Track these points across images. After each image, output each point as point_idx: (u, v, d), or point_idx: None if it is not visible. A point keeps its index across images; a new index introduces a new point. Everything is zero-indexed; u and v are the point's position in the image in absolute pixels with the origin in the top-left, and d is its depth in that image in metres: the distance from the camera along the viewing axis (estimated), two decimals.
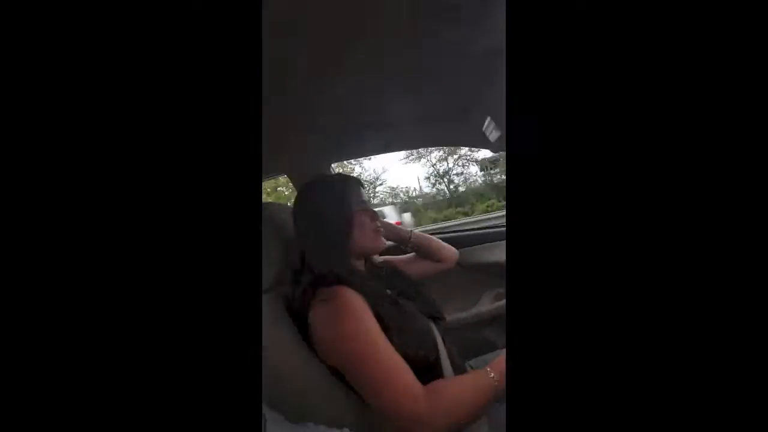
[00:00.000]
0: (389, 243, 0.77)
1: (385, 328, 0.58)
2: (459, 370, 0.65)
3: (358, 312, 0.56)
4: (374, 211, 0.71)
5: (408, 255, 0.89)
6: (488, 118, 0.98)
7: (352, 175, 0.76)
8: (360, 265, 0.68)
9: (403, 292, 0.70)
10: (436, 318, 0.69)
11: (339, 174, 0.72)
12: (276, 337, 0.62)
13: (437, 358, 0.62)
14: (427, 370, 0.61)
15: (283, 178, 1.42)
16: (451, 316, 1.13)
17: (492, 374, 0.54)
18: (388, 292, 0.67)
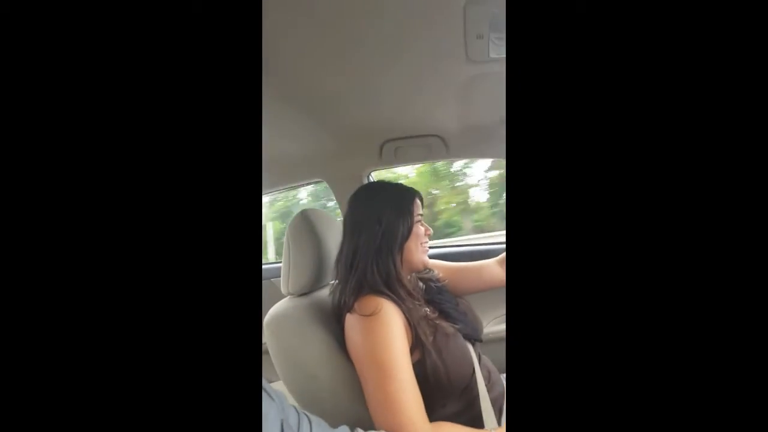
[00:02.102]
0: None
1: (420, 347, 0.57)
2: (495, 390, 0.62)
3: (391, 331, 0.56)
4: (429, 227, 0.70)
5: (457, 264, 0.85)
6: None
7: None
8: (406, 276, 0.67)
9: (444, 311, 0.68)
10: (475, 340, 0.67)
11: (399, 183, 0.72)
12: (311, 337, 0.64)
13: (472, 381, 0.60)
14: (461, 393, 0.60)
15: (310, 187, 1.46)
16: (487, 328, 1.09)
17: None
18: (427, 310, 0.65)
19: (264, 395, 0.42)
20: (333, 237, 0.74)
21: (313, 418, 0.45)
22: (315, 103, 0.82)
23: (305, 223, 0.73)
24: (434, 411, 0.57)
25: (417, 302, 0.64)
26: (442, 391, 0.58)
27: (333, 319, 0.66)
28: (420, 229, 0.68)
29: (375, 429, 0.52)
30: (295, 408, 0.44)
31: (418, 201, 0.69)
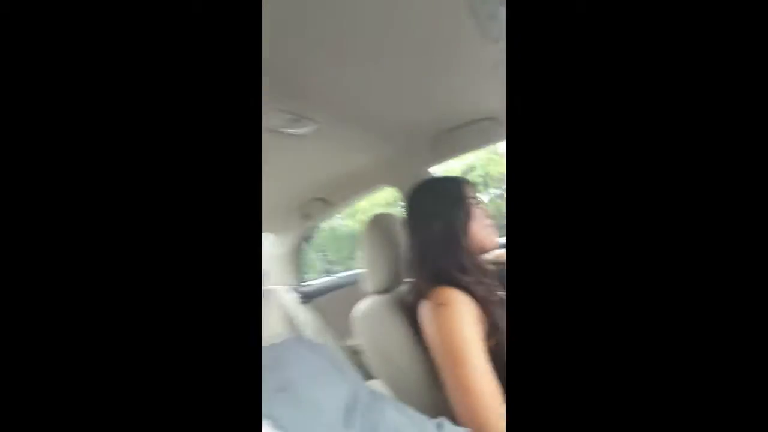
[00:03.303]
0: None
1: (496, 332, 0.58)
2: None
3: (462, 318, 0.58)
4: (486, 209, 0.71)
5: None
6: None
7: None
8: (474, 262, 0.68)
9: None
10: None
11: (446, 175, 0.74)
12: (393, 331, 0.69)
13: None
14: None
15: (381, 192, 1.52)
16: None
17: None
18: (500, 294, 0.65)
19: (336, 372, 0.46)
20: (404, 237, 0.78)
21: (389, 400, 0.47)
22: (364, 113, 0.88)
23: (376, 227, 0.79)
24: None
25: (491, 287, 0.65)
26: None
27: (409, 313, 0.70)
28: (478, 210, 0.68)
29: (455, 416, 0.54)
30: (369, 390, 0.47)
31: (466, 185, 0.70)
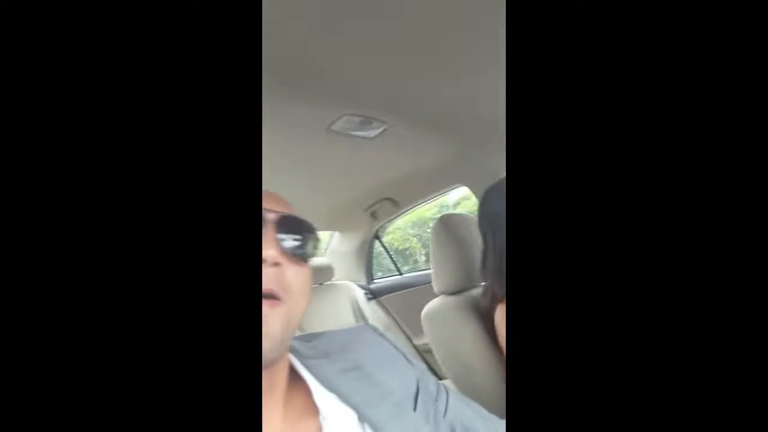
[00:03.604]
0: None
1: None
2: None
3: None
4: None
5: None
6: None
7: None
8: None
9: None
10: None
11: None
12: (463, 332, 0.68)
13: None
14: None
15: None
16: None
17: None
18: None
19: (403, 359, 0.47)
20: (475, 238, 0.76)
21: (453, 392, 0.46)
22: (436, 112, 0.88)
23: (445, 228, 0.78)
24: None
25: None
26: None
27: (485, 316, 0.67)
28: None
29: None
30: (436, 381, 0.47)
31: None
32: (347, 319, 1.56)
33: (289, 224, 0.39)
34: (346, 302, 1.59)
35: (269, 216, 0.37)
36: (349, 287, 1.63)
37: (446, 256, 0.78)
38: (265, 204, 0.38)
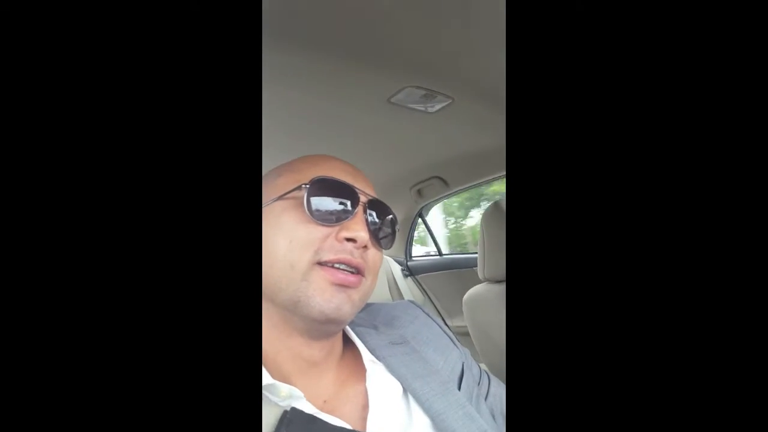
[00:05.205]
0: None
1: None
2: None
3: None
4: None
5: None
6: None
7: None
8: None
9: None
10: None
11: None
12: (502, 318, 0.67)
13: None
14: None
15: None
16: None
17: None
18: None
19: (448, 340, 0.47)
20: None
21: (494, 378, 0.46)
22: (503, 93, 0.82)
23: (498, 213, 0.75)
24: None
25: None
26: None
27: None
28: None
29: None
30: (479, 365, 0.47)
31: None
32: (382, 292, 1.59)
33: (377, 209, 0.39)
34: (383, 275, 1.62)
35: (361, 197, 0.38)
36: (387, 261, 1.65)
37: (496, 243, 0.75)
38: (355, 182, 0.39)
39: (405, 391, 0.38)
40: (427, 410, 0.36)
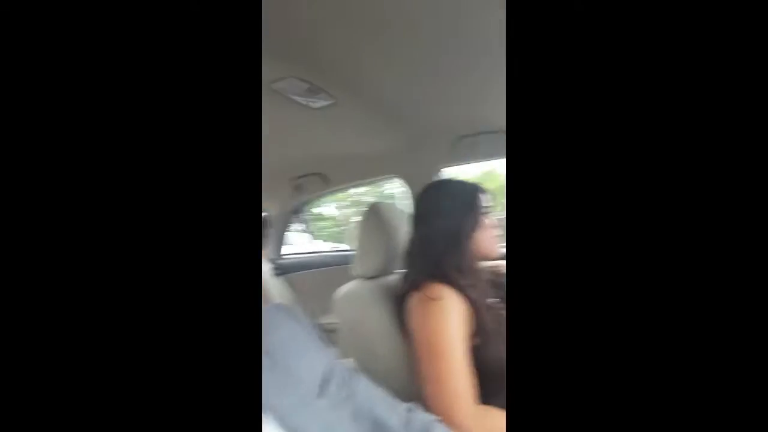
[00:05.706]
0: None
1: (482, 334, 0.60)
2: None
3: (450, 316, 0.60)
4: (496, 219, 0.73)
5: None
6: None
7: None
8: (472, 267, 0.70)
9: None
10: None
11: (464, 180, 0.75)
12: (371, 314, 0.71)
13: None
14: None
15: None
16: None
17: None
18: (491, 300, 0.67)
19: (314, 342, 0.47)
20: (401, 228, 0.79)
21: (362, 376, 0.48)
22: (388, 101, 0.87)
23: (375, 214, 0.79)
24: (489, 398, 0.59)
25: (483, 292, 0.67)
26: (500, 381, 0.59)
27: (397, 302, 0.71)
28: (487, 219, 0.70)
29: (426, 406, 0.56)
30: (348, 364, 0.48)
31: (481, 195, 0.71)
32: None
33: None
34: None
35: None
36: None
37: (372, 241, 0.79)
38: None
39: (264, 407, 0.36)
40: (287, 425, 0.35)
